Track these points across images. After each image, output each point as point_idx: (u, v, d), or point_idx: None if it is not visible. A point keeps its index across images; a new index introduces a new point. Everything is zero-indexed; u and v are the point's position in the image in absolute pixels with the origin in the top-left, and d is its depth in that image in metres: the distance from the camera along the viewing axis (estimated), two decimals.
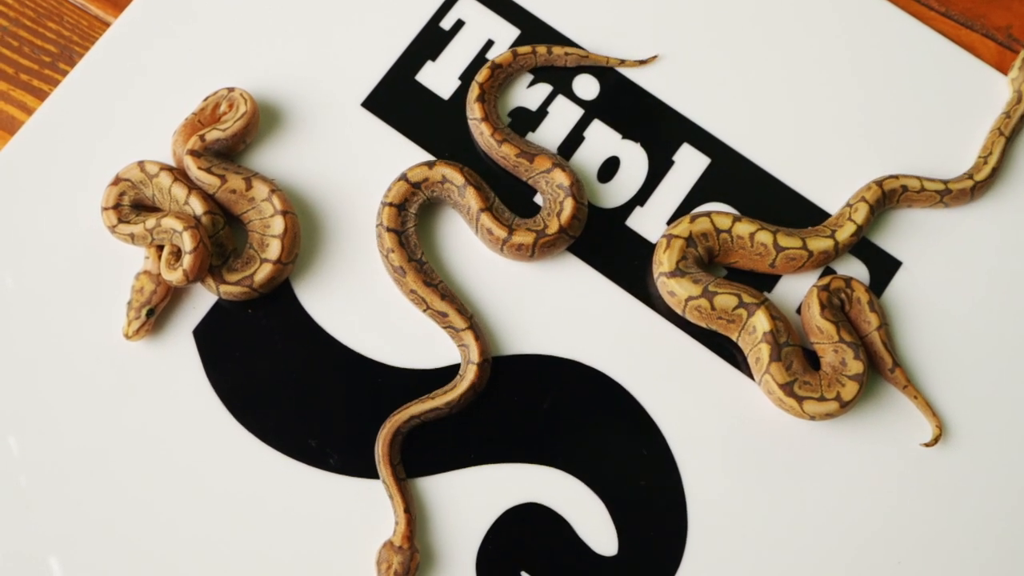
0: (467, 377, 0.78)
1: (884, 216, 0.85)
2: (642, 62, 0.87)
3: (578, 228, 0.82)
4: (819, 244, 0.81)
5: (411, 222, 0.81)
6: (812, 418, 0.78)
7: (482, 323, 0.81)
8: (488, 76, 0.85)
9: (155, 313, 0.79)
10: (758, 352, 0.78)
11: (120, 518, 0.77)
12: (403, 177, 0.81)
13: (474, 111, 0.84)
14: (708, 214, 0.81)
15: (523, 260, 0.82)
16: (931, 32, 0.89)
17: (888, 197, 0.83)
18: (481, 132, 0.84)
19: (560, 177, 0.82)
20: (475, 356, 0.78)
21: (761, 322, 0.78)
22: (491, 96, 0.85)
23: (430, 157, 0.85)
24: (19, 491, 0.77)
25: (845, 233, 0.82)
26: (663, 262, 0.80)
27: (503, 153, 0.83)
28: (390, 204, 0.81)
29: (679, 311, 0.81)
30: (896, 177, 0.83)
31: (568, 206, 0.81)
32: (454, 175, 0.81)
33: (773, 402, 0.79)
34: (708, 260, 0.82)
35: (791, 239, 0.81)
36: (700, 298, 0.79)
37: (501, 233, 0.80)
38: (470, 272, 0.83)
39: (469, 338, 0.79)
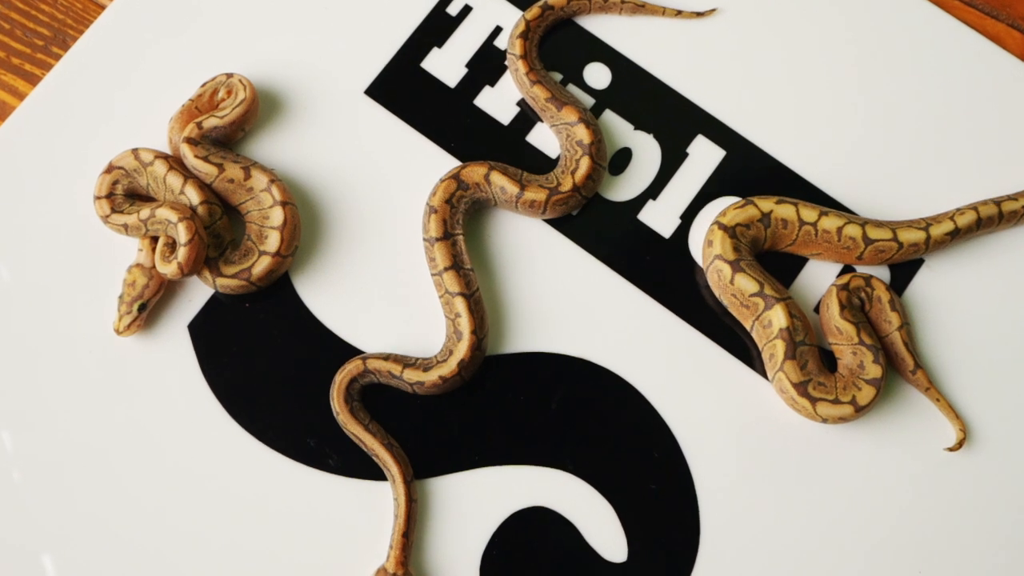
0: (458, 352, 0.77)
1: None
2: (700, 14, 0.87)
3: (592, 189, 0.82)
4: (910, 236, 0.80)
5: (467, 263, 0.79)
6: (825, 421, 0.77)
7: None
8: (537, 15, 0.85)
9: (147, 308, 0.79)
10: (772, 348, 0.77)
11: (114, 516, 0.77)
12: (430, 240, 0.79)
13: (514, 46, 0.84)
14: (795, 203, 0.80)
15: (535, 217, 0.82)
16: (955, 21, 0.89)
17: (1006, 218, 0.81)
18: (516, 68, 0.84)
19: (581, 133, 0.81)
20: (466, 329, 0.77)
21: (778, 317, 0.77)
22: (534, 35, 0.85)
23: (434, 148, 0.84)
24: (12, 487, 0.77)
25: (940, 230, 0.80)
26: (727, 214, 0.80)
27: (533, 94, 0.83)
28: (446, 269, 0.78)
29: (703, 264, 0.81)
30: (1015, 198, 0.82)
31: (584, 165, 0.81)
32: (448, 188, 0.80)
33: (785, 402, 0.78)
34: (769, 246, 0.81)
35: (881, 231, 0.80)
36: (727, 264, 0.78)
37: (513, 189, 0.80)
38: (475, 270, 0.82)
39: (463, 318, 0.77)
